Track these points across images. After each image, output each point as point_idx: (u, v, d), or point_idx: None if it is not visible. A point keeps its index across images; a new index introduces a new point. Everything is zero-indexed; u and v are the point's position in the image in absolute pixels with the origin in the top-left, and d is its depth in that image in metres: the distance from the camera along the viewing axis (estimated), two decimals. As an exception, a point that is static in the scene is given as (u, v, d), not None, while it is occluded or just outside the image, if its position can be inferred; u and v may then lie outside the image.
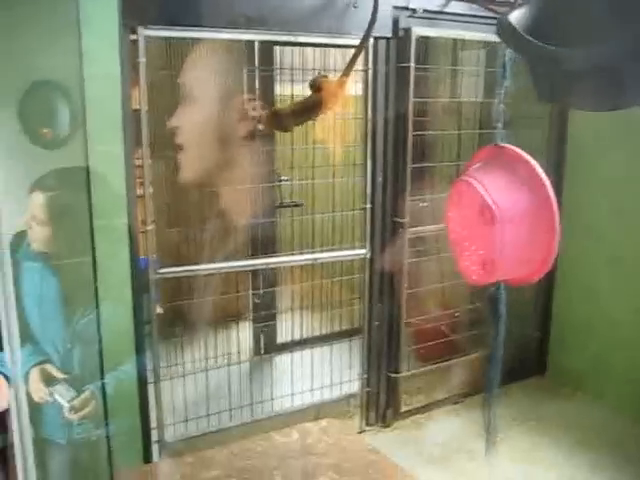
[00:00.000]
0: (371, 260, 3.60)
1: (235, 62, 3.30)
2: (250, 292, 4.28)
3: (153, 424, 3.09)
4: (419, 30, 3.38)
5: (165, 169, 3.41)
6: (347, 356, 3.79)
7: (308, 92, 3.54)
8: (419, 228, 3.65)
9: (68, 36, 2.46)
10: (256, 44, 3.24)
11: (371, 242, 3.57)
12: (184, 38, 2.95)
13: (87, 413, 2.21)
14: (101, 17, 2.59)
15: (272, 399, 3.65)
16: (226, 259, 3.42)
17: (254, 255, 3.97)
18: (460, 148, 4.00)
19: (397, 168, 3.54)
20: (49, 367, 2.25)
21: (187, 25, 2.86)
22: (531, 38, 1.27)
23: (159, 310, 3.20)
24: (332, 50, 3.57)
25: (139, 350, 2.82)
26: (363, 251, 3.58)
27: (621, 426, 3.74)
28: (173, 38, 2.93)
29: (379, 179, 3.52)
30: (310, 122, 3.53)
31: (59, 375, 2.24)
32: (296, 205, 4.03)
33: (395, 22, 3.35)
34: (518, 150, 1.64)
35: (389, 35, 3.36)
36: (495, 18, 1.48)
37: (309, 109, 3.08)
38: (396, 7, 3.34)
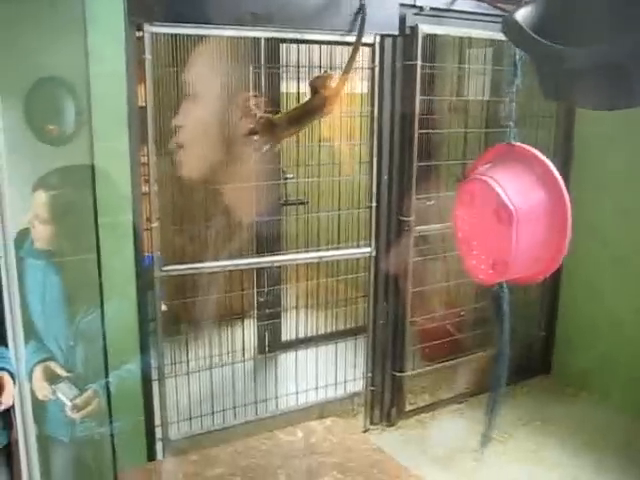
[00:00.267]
0: (376, 258, 3.59)
1: (241, 60, 3.29)
2: (255, 290, 4.27)
3: (157, 422, 3.09)
4: (426, 28, 3.37)
5: (170, 166, 3.40)
6: (352, 355, 3.78)
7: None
8: (425, 227, 3.64)
9: (74, 33, 2.46)
10: (262, 41, 3.22)
11: (376, 240, 3.56)
12: (190, 35, 2.94)
13: (89, 412, 2.21)
14: (107, 14, 2.58)
15: (276, 397, 3.64)
16: (231, 257, 3.42)
17: (259, 253, 3.96)
18: (466, 147, 3.98)
19: (403, 166, 3.53)
20: (53, 365, 2.25)
21: (193, 22, 2.85)
22: (537, 36, 1.26)
23: (163, 308, 3.20)
24: (338, 48, 3.56)
25: (143, 348, 2.82)
26: (368, 249, 3.57)
27: (626, 426, 3.72)
28: (179, 35, 2.92)
29: (385, 177, 3.51)
30: (317, 120, 3.53)
31: (62, 373, 2.24)
32: (301, 203, 4.02)
33: (402, 20, 3.34)
34: (531, 148, 1.63)
35: (396, 33, 3.35)
36: (502, 16, 1.47)
37: (305, 116, 3.07)
38: (403, 5, 3.33)
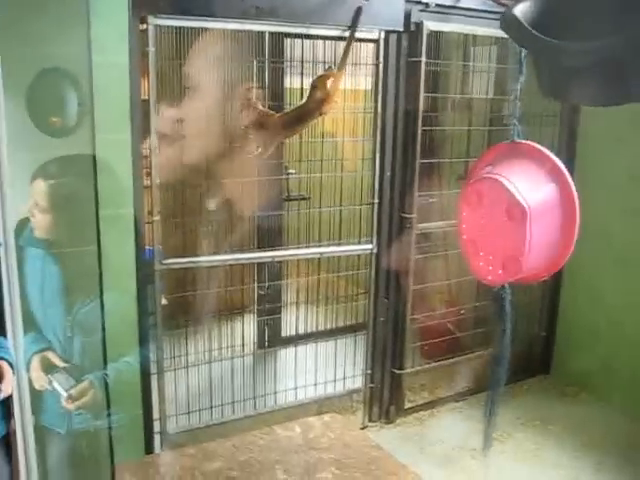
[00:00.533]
0: (377, 255, 3.58)
1: (245, 53, 3.28)
2: (255, 285, 4.27)
3: (156, 415, 3.09)
4: (431, 24, 3.36)
5: (173, 160, 3.39)
6: (351, 351, 3.78)
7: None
8: (427, 224, 3.63)
9: (78, 24, 2.46)
10: (267, 35, 3.21)
11: (378, 237, 3.55)
12: (194, 28, 2.93)
13: (84, 403, 2.21)
14: (111, 6, 2.58)
15: (275, 393, 3.64)
16: (231, 251, 3.41)
17: (260, 248, 3.96)
18: (469, 145, 3.97)
19: (406, 163, 3.52)
20: (51, 355, 2.24)
21: (198, 15, 2.85)
22: (535, 32, 1.25)
23: (164, 301, 3.19)
24: (342, 43, 3.54)
25: (143, 341, 2.81)
26: (370, 246, 3.56)
27: (626, 427, 3.71)
28: (183, 28, 2.91)
29: (387, 174, 3.50)
30: (321, 116, 3.53)
31: (60, 363, 2.24)
32: (303, 198, 4.01)
33: (407, 16, 3.33)
34: (537, 145, 1.61)
35: (401, 29, 3.34)
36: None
37: (299, 121, 3.08)
38: (408, 1, 3.32)
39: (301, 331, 4.06)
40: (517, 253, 1.50)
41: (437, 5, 3.37)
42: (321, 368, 3.71)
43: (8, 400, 1.87)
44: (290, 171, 3.83)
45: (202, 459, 2.17)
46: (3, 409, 1.96)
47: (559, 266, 1.64)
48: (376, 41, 3.33)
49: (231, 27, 2.96)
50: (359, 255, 3.76)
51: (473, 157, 3.85)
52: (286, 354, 3.95)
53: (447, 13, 3.43)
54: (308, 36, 3.28)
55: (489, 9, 3.46)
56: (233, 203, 3.48)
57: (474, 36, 3.71)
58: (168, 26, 2.85)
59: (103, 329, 2.43)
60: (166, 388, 3.15)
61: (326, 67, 3.30)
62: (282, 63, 3.64)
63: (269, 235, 4.06)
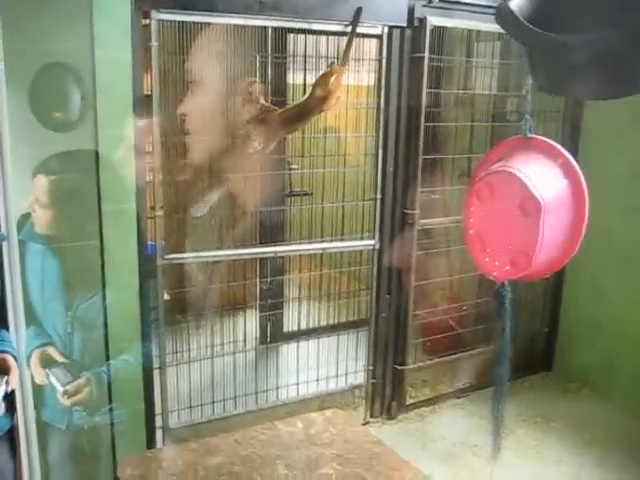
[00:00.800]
0: (380, 251, 3.58)
1: (248, 49, 3.27)
2: (257, 280, 4.27)
3: (158, 410, 3.09)
4: (434, 20, 3.35)
5: (176, 155, 3.39)
6: (353, 347, 3.78)
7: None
8: (429, 220, 3.63)
9: (80, 19, 2.46)
10: (269, 31, 3.21)
11: (380, 233, 3.55)
12: (197, 23, 2.93)
13: (80, 399, 2.21)
14: (113, 0, 2.57)
15: (277, 388, 3.64)
16: (234, 246, 3.41)
17: (262, 243, 3.96)
18: (472, 141, 3.96)
19: (408, 159, 3.51)
20: (51, 350, 2.24)
21: (201, 9, 2.84)
22: (530, 25, 1.24)
23: (166, 297, 3.19)
24: (345, 39, 3.54)
25: (145, 336, 2.82)
26: (372, 242, 3.56)
27: (628, 424, 3.71)
28: (186, 23, 2.90)
29: (390, 169, 3.50)
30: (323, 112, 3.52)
31: (60, 359, 2.24)
32: (305, 194, 4.01)
33: (410, 11, 3.32)
34: (551, 141, 1.61)
35: (404, 24, 3.33)
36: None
37: (300, 118, 3.07)
38: (412, -4, 3.31)
39: (303, 327, 4.05)
40: (528, 248, 1.49)
41: (440, 0, 3.36)
42: (323, 364, 3.71)
43: (12, 394, 1.88)
44: (292, 166, 3.83)
45: (204, 454, 2.18)
46: (7, 403, 1.96)
47: (563, 264, 1.64)
48: (379, 36, 3.33)
49: (234, 22, 2.96)
50: (361, 251, 3.76)
51: (476, 153, 3.85)
52: (288, 350, 3.95)
53: (450, 9, 3.42)
54: (311, 31, 3.27)
55: (493, 4, 3.44)
56: (235, 198, 3.48)
57: (477, 32, 3.70)
58: (171, 21, 2.85)
59: (105, 324, 2.44)
60: (168, 383, 3.15)
61: (329, 63, 3.29)
62: (285, 58, 3.63)
63: (271, 230, 4.06)
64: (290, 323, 4.27)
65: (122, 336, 2.59)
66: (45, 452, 2.28)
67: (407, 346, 3.74)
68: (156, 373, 3.05)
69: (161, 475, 2.06)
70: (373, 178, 3.51)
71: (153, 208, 2.95)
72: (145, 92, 2.82)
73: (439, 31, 3.46)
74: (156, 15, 2.74)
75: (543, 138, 1.63)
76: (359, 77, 3.61)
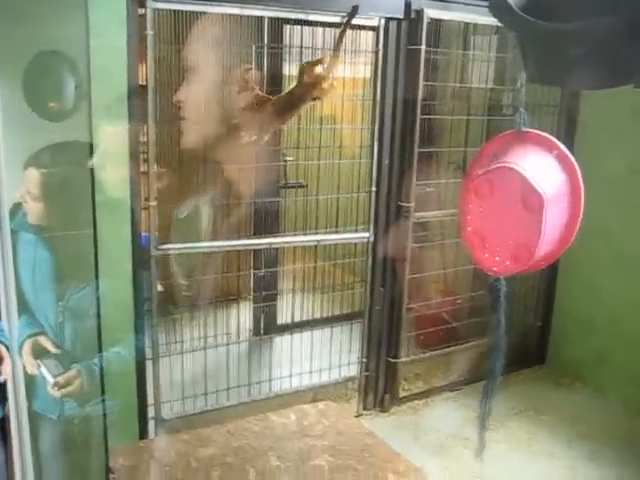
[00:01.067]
0: (374, 244, 3.57)
1: (244, 39, 3.26)
2: (251, 272, 4.27)
3: (150, 401, 3.09)
4: (431, 12, 3.34)
5: (170, 145, 3.38)
6: (347, 339, 3.78)
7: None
8: (424, 213, 3.62)
9: (75, 7, 2.43)
10: (266, 21, 3.19)
11: (375, 226, 3.55)
12: (193, 12, 2.91)
13: (70, 391, 2.20)
14: (109, -12, 2.56)
15: (270, 380, 3.64)
16: (228, 237, 3.41)
17: (256, 234, 3.95)
18: (468, 134, 3.96)
19: (404, 152, 3.50)
20: (43, 340, 2.23)
21: (197, -2, 2.82)
22: (523, 14, 1.23)
23: (159, 288, 3.18)
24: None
25: (138, 327, 2.81)
26: (366, 234, 3.55)
27: (620, 417, 3.73)
28: (182, 12, 2.89)
29: (385, 162, 3.49)
30: (317, 102, 3.51)
31: (52, 349, 2.22)
32: (300, 186, 4.00)
33: (407, 3, 3.30)
34: (545, 134, 1.60)
35: (401, 16, 3.32)
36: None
37: (293, 103, 3.05)
38: (409, -12, 3.29)
39: (297, 319, 4.06)
40: (530, 243, 1.49)
41: (437, -7, 3.35)
42: (316, 356, 3.71)
43: (4, 384, 1.87)
44: (287, 158, 3.82)
45: (196, 445, 2.18)
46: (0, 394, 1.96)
47: (559, 255, 1.64)
48: (376, 28, 3.31)
49: (230, 11, 2.93)
50: (356, 243, 3.76)
51: (471, 146, 3.85)
52: (281, 341, 3.95)
53: (448, 1, 3.41)
54: (308, 22, 3.25)
55: (489, -2, 3.43)
56: (229, 189, 3.47)
57: (475, 25, 3.69)
58: (167, 10, 2.83)
59: (98, 315, 2.43)
60: (161, 374, 3.15)
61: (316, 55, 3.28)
62: (281, 49, 3.62)
63: (266, 222, 4.05)
64: (284, 315, 4.27)
65: (115, 327, 2.58)
66: (37, 442, 2.28)
67: (401, 339, 3.75)
68: (149, 364, 3.05)
69: (153, 465, 2.06)
70: (368, 170, 3.50)
71: (147, 199, 2.93)
72: (140, 82, 2.81)
73: (436, 24, 3.45)
74: (152, 4, 2.72)
75: (537, 131, 1.62)
76: (355, 69, 3.60)
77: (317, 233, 3.76)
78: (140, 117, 2.78)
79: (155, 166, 2.90)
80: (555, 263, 4.21)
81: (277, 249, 4.11)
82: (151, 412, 3.11)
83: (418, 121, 3.44)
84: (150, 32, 2.76)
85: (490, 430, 3.49)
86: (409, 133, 3.47)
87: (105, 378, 2.40)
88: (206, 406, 3.40)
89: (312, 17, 3.15)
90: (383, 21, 3.29)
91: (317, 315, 4.26)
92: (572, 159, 1.54)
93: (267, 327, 4.34)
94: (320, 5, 3.09)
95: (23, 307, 2.18)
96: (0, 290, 1.76)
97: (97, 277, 2.41)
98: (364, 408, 3.79)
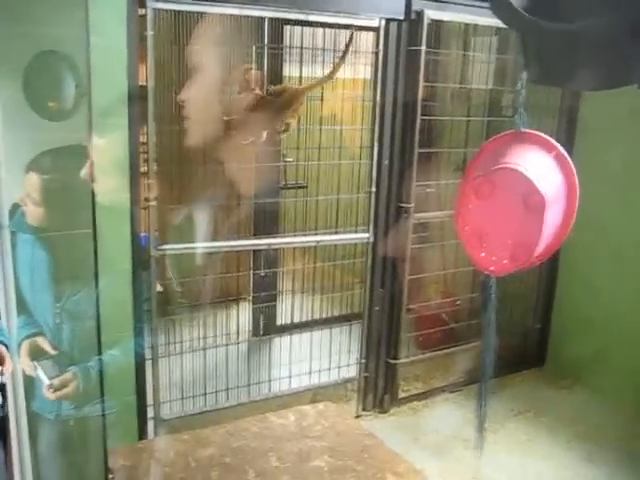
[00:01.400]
0: (374, 244, 3.57)
1: (244, 39, 3.26)
2: (251, 272, 4.26)
3: (150, 401, 3.09)
4: (432, 13, 3.33)
5: (170, 146, 3.38)
6: (346, 340, 3.78)
7: (317, 74, 3.52)
8: (424, 214, 3.62)
9: (76, 6, 2.43)
10: (266, 21, 3.19)
11: (375, 226, 3.54)
12: (193, 12, 2.91)
13: (65, 394, 2.19)
14: (109, -12, 2.56)
15: (269, 380, 3.64)
16: (228, 238, 3.40)
17: (256, 235, 3.95)
18: (468, 135, 3.96)
19: (404, 152, 3.50)
20: (41, 340, 2.22)
21: (197, -1, 2.82)
22: (525, 13, 1.23)
23: (159, 288, 3.18)
24: (342, 31, 3.53)
25: (137, 327, 2.81)
26: (366, 235, 3.55)
27: (619, 419, 3.72)
28: (182, 12, 2.89)
29: (385, 163, 3.49)
30: (317, 103, 3.52)
31: (50, 350, 2.22)
32: (300, 187, 4.00)
33: (408, 4, 3.31)
34: (543, 134, 1.61)
35: (401, 17, 3.32)
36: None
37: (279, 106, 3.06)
38: (409, -11, 3.29)
39: (296, 319, 4.06)
40: (530, 242, 1.50)
41: (438, -6, 3.35)
42: (316, 357, 3.71)
43: (2, 384, 1.87)
44: (287, 159, 3.82)
45: (195, 445, 2.18)
46: (-1, 393, 1.95)
47: (549, 255, 1.65)
48: (376, 29, 3.31)
49: (230, 12, 2.93)
50: (355, 244, 3.76)
51: (471, 147, 3.85)
52: (281, 342, 3.95)
53: (448, 2, 3.41)
54: (308, 23, 3.26)
55: (490, -1, 3.43)
56: (230, 190, 3.47)
57: (475, 26, 3.69)
58: (167, 10, 2.83)
59: (97, 315, 2.42)
60: (160, 374, 3.15)
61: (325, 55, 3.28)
62: (281, 49, 3.62)
63: (265, 222, 4.05)
64: (283, 316, 4.27)
65: (114, 327, 2.57)
66: (35, 442, 2.27)
67: (400, 340, 3.75)
68: (148, 364, 3.05)
69: (152, 466, 2.06)
70: (368, 171, 3.50)
71: (147, 199, 2.93)
72: (140, 82, 2.80)
73: (436, 25, 3.45)
74: (152, 4, 2.72)
75: (535, 132, 1.62)
76: (355, 70, 3.60)
77: (317, 234, 3.76)
78: (140, 117, 2.78)
79: (155, 166, 2.90)
80: (555, 264, 4.23)
81: (277, 250, 4.11)
82: (150, 412, 3.11)
83: (418, 122, 3.45)
84: (150, 32, 2.76)
85: (489, 431, 3.52)
86: (409, 134, 3.47)
87: (103, 379, 2.40)
88: (205, 406, 3.39)
89: (312, 18, 3.14)
90: (383, 22, 3.30)
91: (317, 316, 4.26)
92: (569, 160, 1.55)
93: (266, 328, 4.34)
94: (320, 6, 3.09)
95: (21, 307, 2.18)
96: (-1, 290, 1.76)
97: (96, 277, 2.41)
98: (363, 409, 3.79)
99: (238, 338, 3.83)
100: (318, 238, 3.63)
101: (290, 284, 4.13)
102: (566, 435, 3.58)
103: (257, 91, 3.02)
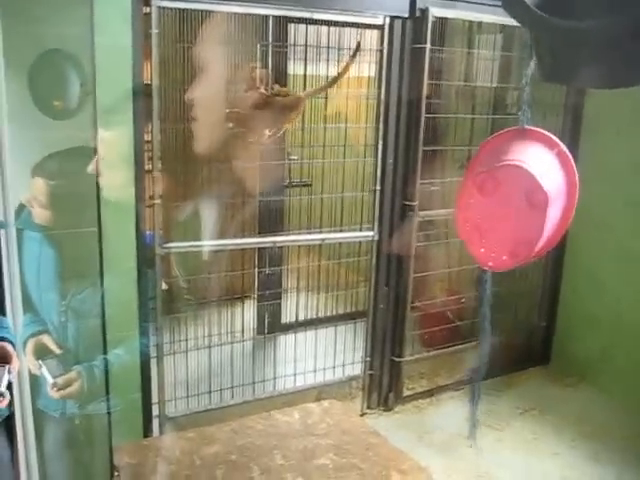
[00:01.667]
0: (379, 242, 3.57)
1: (249, 37, 3.26)
2: (256, 270, 4.27)
3: (155, 399, 3.09)
4: (436, 11, 3.33)
5: (175, 144, 3.39)
6: (351, 338, 3.78)
7: (322, 72, 3.52)
8: (429, 212, 3.62)
9: (80, 5, 2.44)
10: (271, 20, 3.19)
11: (379, 224, 3.54)
12: (198, 10, 2.91)
13: (69, 392, 2.20)
14: (114, -14, 2.56)
15: (274, 378, 3.64)
16: (232, 236, 3.41)
17: (261, 233, 3.95)
18: (472, 132, 3.95)
19: (408, 150, 3.50)
20: (46, 339, 2.23)
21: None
22: (539, 11, 1.23)
23: (164, 286, 3.19)
24: (347, 30, 3.53)
25: (143, 326, 2.81)
26: (371, 233, 3.55)
27: (625, 418, 3.71)
28: (187, 10, 2.89)
29: (390, 161, 3.49)
30: (321, 101, 3.52)
31: (55, 348, 2.22)
32: (305, 185, 4.00)
33: (412, 2, 3.30)
34: (545, 132, 1.61)
35: (405, 15, 3.31)
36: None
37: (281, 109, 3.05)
38: (414, -14, 3.29)
39: (301, 317, 4.06)
40: (531, 239, 1.50)
41: (443, -9, 3.34)
42: (320, 355, 3.71)
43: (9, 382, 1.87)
44: (292, 157, 3.82)
45: (200, 443, 2.18)
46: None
47: (547, 250, 1.66)
48: (381, 27, 3.31)
49: (235, 10, 2.93)
50: (360, 242, 3.76)
51: (476, 145, 3.84)
52: (286, 340, 3.96)
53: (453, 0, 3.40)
54: (312, 21, 3.25)
55: (495, -4, 3.43)
56: (234, 188, 3.47)
57: (479, 23, 3.68)
58: (172, 8, 2.83)
59: (103, 314, 2.43)
60: (166, 372, 3.15)
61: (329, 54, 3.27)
62: (286, 48, 3.62)
63: (270, 221, 4.05)
64: (288, 314, 4.27)
65: (119, 326, 2.58)
66: (41, 439, 2.28)
67: (405, 338, 3.75)
68: (153, 362, 3.05)
69: (157, 463, 2.06)
70: (373, 169, 3.50)
71: (152, 197, 2.94)
72: (145, 81, 2.81)
73: (441, 22, 3.44)
74: (157, 2, 2.72)
75: (538, 129, 1.63)
76: (360, 68, 3.60)
77: (321, 232, 3.77)
78: (145, 116, 2.78)
79: (160, 164, 2.90)
80: (560, 261, 4.22)
81: (281, 248, 4.10)
82: (155, 410, 3.11)
83: (423, 120, 3.44)
84: (155, 30, 2.76)
85: (495, 429, 3.52)
86: (414, 131, 3.47)
87: (108, 377, 2.40)
88: (210, 404, 3.40)
89: (317, 16, 3.14)
90: (388, 19, 3.29)
91: (321, 314, 4.26)
92: (571, 157, 1.55)
93: (271, 326, 4.34)
94: (325, 3, 3.09)
95: (27, 305, 2.18)
96: (6, 288, 1.76)
97: (102, 275, 2.41)
98: (368, 407, 3.79)
99: (243, 336, 3.83)
100: (323, 236, 3.64)
101: (295, 282, 4.13)
102: (571, 434, 3.57)
103: (262, 90, 3.02)
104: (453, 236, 3.83)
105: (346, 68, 3.12)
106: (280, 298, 4.30)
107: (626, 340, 3.84)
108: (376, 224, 3.54)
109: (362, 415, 3.70)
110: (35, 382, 2.22)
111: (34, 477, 2.11)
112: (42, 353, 2.21)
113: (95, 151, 2.39)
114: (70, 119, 2.50)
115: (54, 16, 2.38)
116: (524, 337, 4.28)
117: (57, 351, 2.22)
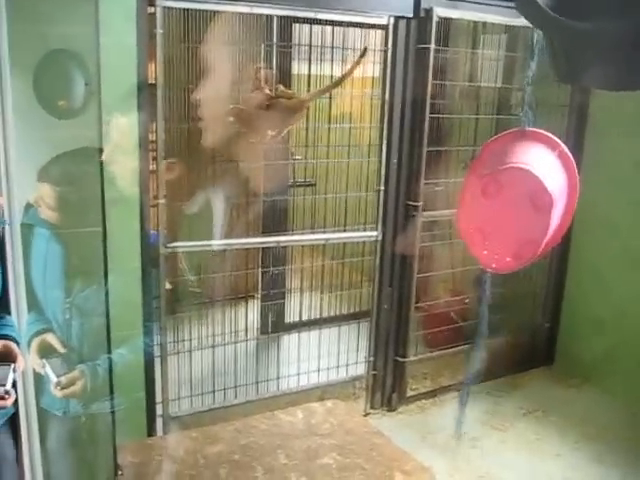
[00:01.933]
0: (382, 243, 3.57)
1: (253, 37, 3.26)
2: (259, 270, 4.27)
3: (158, 398, 3.10)
4: (441, 11, 3.33)
5: (179, 144, 3.39)
6: (354, 338, 3.78)
7: (326, 72, 3.52)
8: (432, 212, 3.62)
9: (85, 5, 2.44)
10: (275, 19, 3.20)
11: (383, 224, 3.54)
12: (202, 10, 2.91)
13: (72, 392, 2.20)
14: (119, -14, 2.56)
15: (278, 378, 3.64)
16: (236, 235, 3.41)
17: (265, 233, 3.95)
18: (477, 133, 3.95)
19: (412, 151, 3.50)
20: (50, 337, 2.23)
21: (206, -4, 2.82)
22: (552, 13, 1.22)
23: (168, 286, 3.19)
24: (351, 30, 3.53)
25: (147, 325, 2.82)
26: (375, 233, 3.55)
27: (628, 419, 3.71)
28: (191, 10, 2.89)
29: (394, 161, 3.48)
30: (325, 101, 3.52)
31: (59, 347, 2.22)
32: (309, 185, 4.00)
33: (417, 2, 3.30)
34: (546, 133, 1.61)
35: (410, 15, 3.31)
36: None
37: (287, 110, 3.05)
38: (418, -14, 3.29)
39: (305, 317, 4.06)
40: (535, 240, 1.51)
41: (447, -9, 3.34)
42: (324, 355, 3.71)
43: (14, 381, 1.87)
44: (296, 157, 3.82)
45: (204, 442, 2.18)
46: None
47: (549, 249, 1.66)
48: (385, 27, 3.31)
49: (239, 10, 2.93)
50: (364, 242, 3.76)
51: (480, 145, 3.83)
52: (289, 340, 3.96)
53: (457, 0, 3.40)
54: (317, 21, 3.25)
55: (499, -4, 3.43)
56: (238, 188, 3.48)
57: (484, 24, 3.68)
58: (176, 8, 2.83)
59: (107, 313, 2.43)
60: (169, 372, 3.16)
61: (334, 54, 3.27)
62: (290, 48, 3.62)
63: (274, 220, 4.05)
64: (292, 313, 4.27)
65: (123, 325, 2.58)
66: (44, 438, 2.28)
67: (408, 338, 3.74)
68: (157, 362, 3.06)
69: (161, 462, 2.07)
70: (377, 169, 3.50)
71: (156, 197, 2.94)
72: (150, 81, 2.81)
73: (445, 22, 3.44)
74: (162, 2, 2.73)
75: (539, 130, 1.63)
76: (364, 68, 3.59)
77: (325, 232, 3.76)
78: (149, 115, 2.79)
79: (164, 162, 2.90)
80: (564, 262, 4.21)
81: (285, 247, 4.10)
82: (159, 409, 3.12)
83: (427, 120, 3.44)
84: (160, 30, 2.76)
85: (498, 430, 3.52)
86: (418, 132, 3.47)
87: (112, 377, 2.41)
88: (214, 404, 3.40)
89: (321, 16, 3.14)
90: (392, 20, 3.29)
91: (325, 314, 4.26)
92: (572, 158, 1.55)
93: (275, 325, 4.35)
94: (329, 4, 3.09)
95: (32, 303, 2.19)
96: (10, 286, 1.77)
97: (106, 275, 2.42)
98: (372, 407, 3.79)
99: (247, 336, 3.83)
100: (327, 236, 3.64)
101: (299, 282, 4.13)
102: (575, 435, 3.56)
103: (267, 90, 3.02)
104: (456, 237, 3.82)
105: (350, 71, 3.12)
106: (284, 298, 4.30)
107: (630, 341, 3.83)
108: (380, 224, 3.54)
109: (365, 415, 3.70)
110: (39, 381, 2.22)
111: (38, 475, 2.11)
112: (46, 352, 2.21)
113: (101, 151, 2.39)
114: (75, 118, 2.51)
115: (59, 16, 2.39)
116: (528, 338, 4.28)
117: (61, 350, 2.22)
